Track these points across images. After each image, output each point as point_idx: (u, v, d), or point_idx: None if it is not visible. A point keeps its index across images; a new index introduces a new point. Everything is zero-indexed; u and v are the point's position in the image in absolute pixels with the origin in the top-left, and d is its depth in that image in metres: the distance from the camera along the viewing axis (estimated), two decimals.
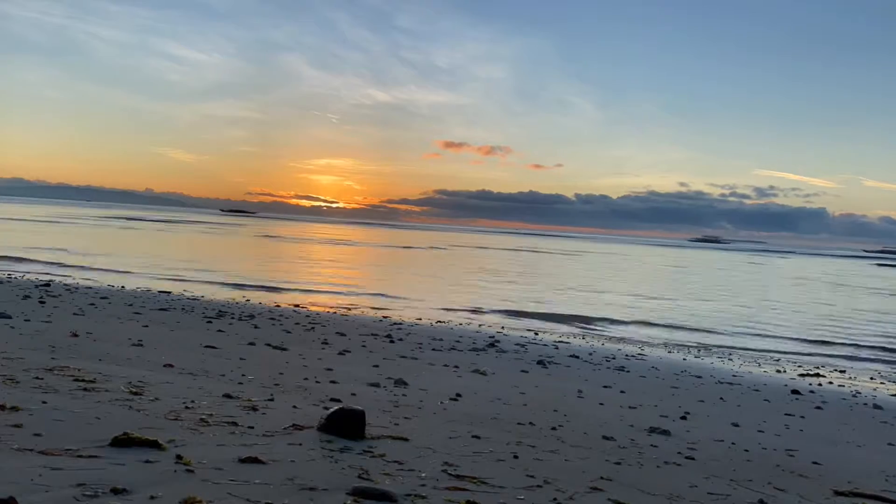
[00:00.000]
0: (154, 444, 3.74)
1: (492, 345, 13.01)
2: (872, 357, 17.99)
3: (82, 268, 24.79)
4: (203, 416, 4.63)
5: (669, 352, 15.87)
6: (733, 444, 6.35)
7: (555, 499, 3.79)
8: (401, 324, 15.58)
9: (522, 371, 10.12)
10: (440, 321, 17.66)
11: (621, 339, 17.57)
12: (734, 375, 12.68)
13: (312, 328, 12.69)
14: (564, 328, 18.98)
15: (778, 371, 14.24)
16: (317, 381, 7.02)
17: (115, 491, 3.01)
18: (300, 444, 4.23)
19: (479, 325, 17.57)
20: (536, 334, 16.56)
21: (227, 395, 5.51)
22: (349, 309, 18.82)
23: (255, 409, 5.15)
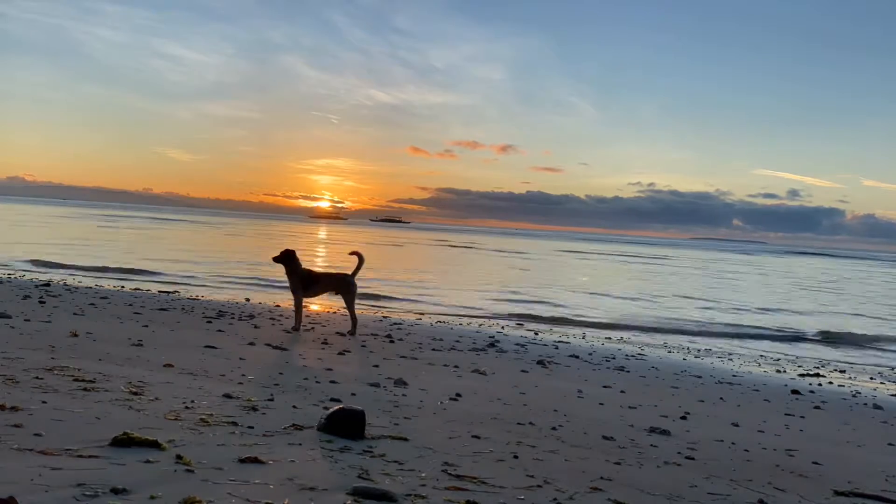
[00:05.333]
0: (154, 444, 3.75)
1: (492, 345, 13.01)
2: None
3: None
4: (203, 416, 4.63)
5: (669, 352, 15.87)
6: (733, 444, 6.35)
7: (555, 499, 3.79)
8: (401, 323, 15.58)
9: (522, 371, 10.11)
10: (440, 321, 17.66)
11: (620, 339, 17.58)
12: (734, 375, 12.68)
13: (312, 328, 12.69)
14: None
15: (778, 371, 14.24)
16: (317, 381, 7.02)
17: (115, 491, 3.02)
18: (300, 444, 4.24)
19: (479, 325, 17.57)
20: (536, 334, 16.57)
21: (227, 395, 5.51)
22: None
23: (255, 409, 5.15)
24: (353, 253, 12.14)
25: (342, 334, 12.10)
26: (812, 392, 11.40)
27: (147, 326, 10.29)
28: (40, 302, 12.09)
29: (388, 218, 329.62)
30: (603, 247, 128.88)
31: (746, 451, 6.10)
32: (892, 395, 12.18)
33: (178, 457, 3.60)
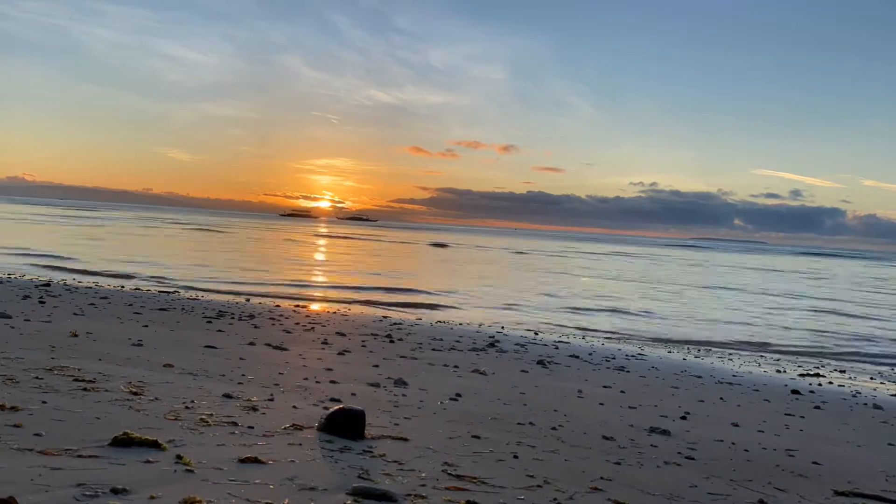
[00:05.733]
0: (154, 444, 3.75)
1: (492, 345, 13.01)
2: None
3: None
4: (203, 416, 4.63)
5: (669, 352, 15.88)
6: (733, 444, 6.35)
7: (555, 499, 3.79)
8: (401, 323, 15.58)
9: (522, 371, 10.12)
10: (440, 321, 17.66)
11: (620, 339, 17.58)
12: (734, 375, 12.69)
13: (312, 328, 12.70)
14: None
15: (778, 371, 14.24)
16: (317, 381, 7.03)
17: (115, 491, 3.02)
18: (300, 444, 4.24)
19: (479, 325, 17.57)
20: (536, 334, 16.57)
21: (227, 395, 5.51)
22: (349, 308, 18.83)
23: (255, 409, 5.15)
24: None
25: (342, 334, 12.11)
26: (812, 392, 11.39)
27: (147, 326, 10.29)
28: (40, 302, 12.09)
29: (353, 217, 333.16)
30: (560, 244, 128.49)
31: (746, 451, 6.10)
32: (892, 395, 12.17)
33: (178, 457, 3.60)
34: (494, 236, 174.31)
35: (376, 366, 8.88)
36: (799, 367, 15.28)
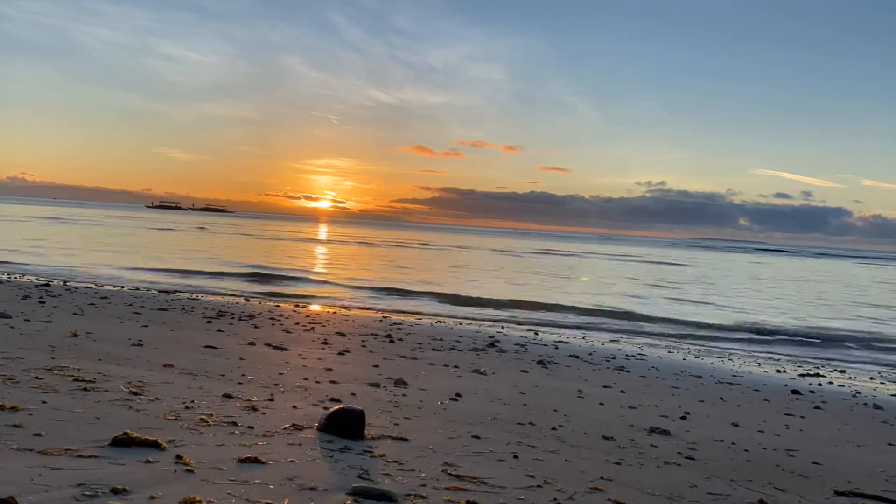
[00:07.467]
0: (154, 444, 3.75)
1: (492, 345, 13.01)
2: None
3: None
4: (203, 416, 4.64)
5: (669, 352, 15.88)
6: (733, 444, 6.35)
7: (555, 499, 3.79)
8: (401, 323, 15.58)
9: (522, 371, 10.11)
10: (440, 321, 17.66)
11: (621, 339, 17.58)
12: (734, 375, 12.68)
13: (312, 328, 12.70)
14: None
15: (778, 371, 14.24)
16: (317, 381, 7.03)
17: (115, 491, 3.02)
18: (300, 445, 4.24)
19: (479, 325, 17.57)
20: (536, 334, 16.57)
21: (227, 395, 5.52)
22: (349, 308, 18.82)
23: (255, 409, 5.15)
24: None
25: (342, 334, 12.11)
26: (812, 392, 11.39)
27: (147, 326, 10.29)
28: (40, 302, 12.09)
29: (208, 207, 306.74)
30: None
31: (746, 451, 6.10)
32: (892, 395, 12.17)
33: (178, 457, 3.60)
34: (525, 238, 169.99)
35: (376, 366, 8.88)
36: (799, 367, 15.28)
